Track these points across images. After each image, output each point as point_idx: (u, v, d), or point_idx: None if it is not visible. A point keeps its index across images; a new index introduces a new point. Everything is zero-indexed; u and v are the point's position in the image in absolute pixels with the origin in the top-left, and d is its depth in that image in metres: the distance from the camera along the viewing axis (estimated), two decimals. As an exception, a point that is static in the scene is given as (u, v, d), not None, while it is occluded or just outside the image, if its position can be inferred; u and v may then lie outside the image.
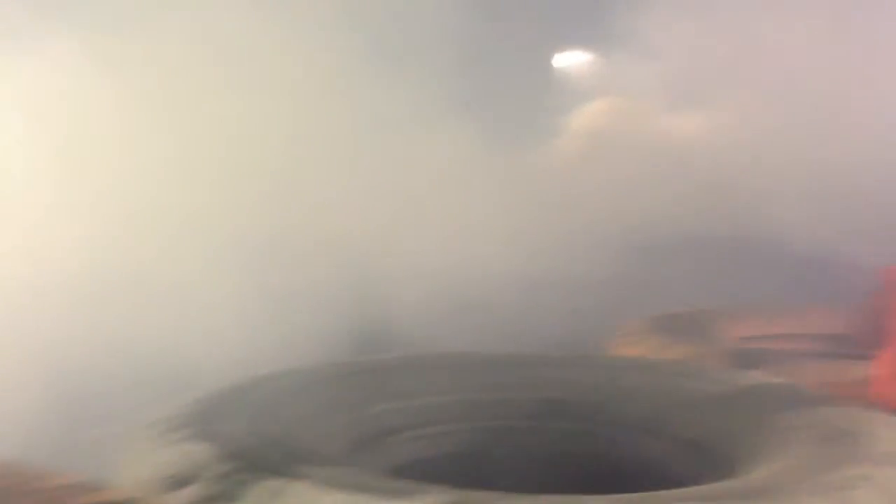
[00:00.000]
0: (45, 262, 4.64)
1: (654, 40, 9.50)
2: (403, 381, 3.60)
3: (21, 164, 4.83)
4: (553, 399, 3.64)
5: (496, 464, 3.46)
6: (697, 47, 9.25)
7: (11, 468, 2.48)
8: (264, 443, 2.82)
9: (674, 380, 3.70)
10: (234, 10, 5.76)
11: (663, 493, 2.60)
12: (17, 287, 4.47)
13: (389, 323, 5.42)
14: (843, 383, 3.91)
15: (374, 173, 6.45)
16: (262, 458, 2.68)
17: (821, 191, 7.58)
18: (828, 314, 5.61)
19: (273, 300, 5.07)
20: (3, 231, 4.60)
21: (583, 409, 3.59)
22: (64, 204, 4.86)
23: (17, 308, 4.40)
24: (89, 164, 5.02)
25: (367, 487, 2.44)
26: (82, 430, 3.90)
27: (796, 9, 8.46)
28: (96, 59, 5.23)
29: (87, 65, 5.18)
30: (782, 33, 8.64)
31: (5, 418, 3.70)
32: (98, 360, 4.38)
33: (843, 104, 8.17)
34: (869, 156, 7.66)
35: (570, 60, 12.35)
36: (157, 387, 3.70)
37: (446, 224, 6.45)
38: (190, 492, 2.55)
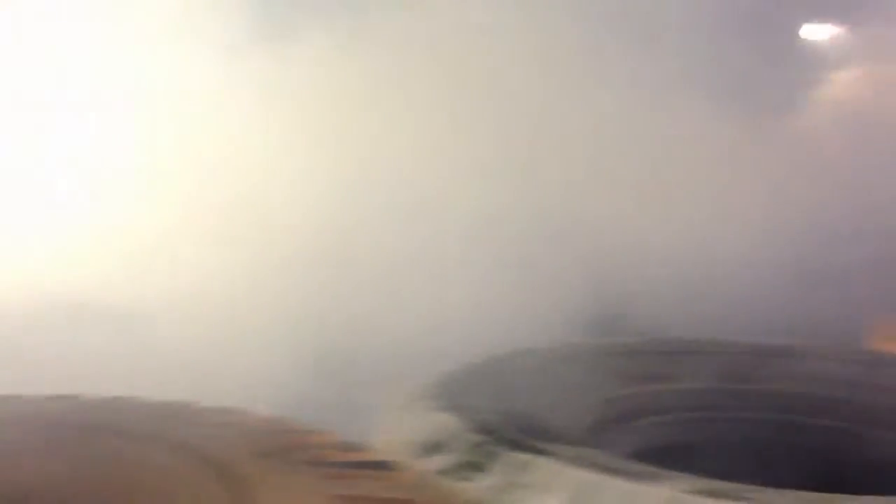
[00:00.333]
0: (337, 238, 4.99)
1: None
2: (648, 365, 3.60)
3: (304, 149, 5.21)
4: (803, 393, 3.50)
5: (741, 456, 3.38)
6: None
7: (284, 424, 2.73)
8: (510, 418, 2.92)
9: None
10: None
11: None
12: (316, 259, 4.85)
13: (631, 306, 5.39)
14: None
15: (621, 155, 6.40)
16: (509, 432, 2.78)
17: None
18: None
19: (520, 282, 5.18)
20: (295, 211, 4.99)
21: (836, 404, 3.43)
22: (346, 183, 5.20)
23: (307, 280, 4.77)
24: (364, 157, 5.35)
25: (613, 469, 2.48)
26: (343, 394, 4.18)
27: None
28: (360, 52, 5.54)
29: (352, 58, 5.50)
30: None
31: (277, 383, 4.03)
32: (357, 333, 4.67)
33: None
34: None
35: (820, 31, 11.75)
36: (412, 359, 3.90)
37: (693, 205, 6.29)
38: (441, 459, 2.70)
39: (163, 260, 4.65)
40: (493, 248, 5.46)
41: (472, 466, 2.63)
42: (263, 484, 2.25)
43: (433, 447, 2.77)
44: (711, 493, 2.32)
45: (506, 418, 2.94)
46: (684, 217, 6.10)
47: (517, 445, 2.67)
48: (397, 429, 2.96)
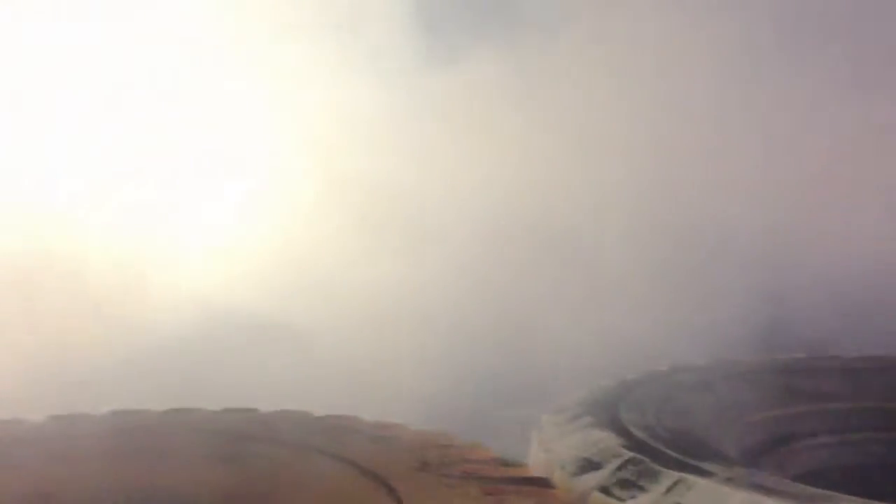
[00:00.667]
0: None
1: None
2: (812, 383, 3.47)
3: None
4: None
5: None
6: None
7: (441, 439, 2.80)
8: (668, 435, 2.88)
9: None
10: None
11: None
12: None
13: (791, 322, 5.20)
14: None
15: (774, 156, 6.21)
16: (667, 450, 2.74)
17: None
18: None
19: (676, 294, 5.12)
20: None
21: None
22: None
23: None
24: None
25: (774, 490, 2.41)
26: (495, 411, 4.24)
27: None
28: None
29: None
30: None
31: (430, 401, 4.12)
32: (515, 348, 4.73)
33: None
34: None
35: None
36: (569, 372, 3.92)
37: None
38: (598, 476, 2.69)
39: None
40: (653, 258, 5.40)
41: (630, 485, 2.62)
42: (420, 497, 2.33)
43: (590, 464, 2.77)
44: (880, 518, 2.23)
45: (664, 436, 2.90)
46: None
47: (676, 464, 2.64)
48: (553, 445, 2.97)
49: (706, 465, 2.60)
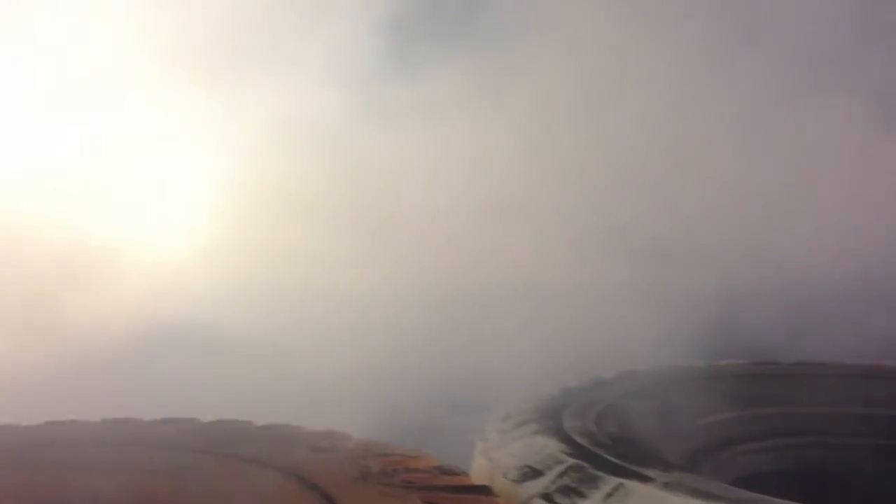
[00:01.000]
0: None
1: None
2: (751, 388, 3.52)
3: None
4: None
5: (846, 484, 3.27)
6: None
7: (383, 448, 2.78)
8: (609, 442, 2.90)
9: None
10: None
11: None
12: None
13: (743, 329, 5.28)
14: None
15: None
16: (608, 456, 2.76)
17: None
18: None
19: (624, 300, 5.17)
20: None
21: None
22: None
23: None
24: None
25: (713, 495, 2.44)
26: (446, 420, 4.23)
27: None
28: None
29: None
30: None
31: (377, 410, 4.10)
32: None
33: None
34: None
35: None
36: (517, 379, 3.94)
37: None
38: (539, 483, 2.70)
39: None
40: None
41: (571, 491, 2.63)
42: (361, 508, 2.31)
43: (532, 472, 2.77)
44: (815, 522, 2.26)
45: (606, 442, 2.92)
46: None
47: (617, 470, 2.65)
48: (495, 453, 2.97)
49: (646, 471, 2.62)
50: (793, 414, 3.43)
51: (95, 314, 4.37)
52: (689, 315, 4.86)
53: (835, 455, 3.36)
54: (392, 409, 4.21)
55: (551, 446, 2.85)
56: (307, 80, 5.38)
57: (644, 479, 2.57)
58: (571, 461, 2.73)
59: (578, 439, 2.92)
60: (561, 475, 2.68)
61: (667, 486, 2.51)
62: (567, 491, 2.61)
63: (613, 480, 2.57)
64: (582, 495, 2.56)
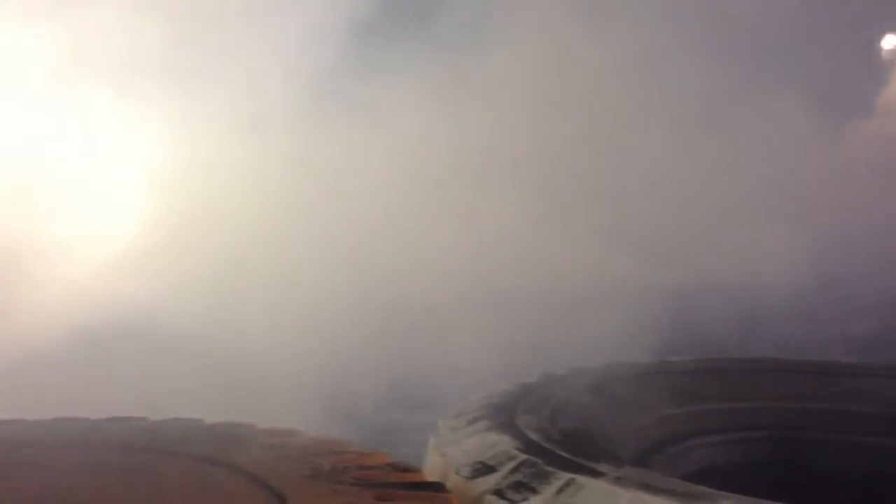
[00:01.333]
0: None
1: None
2: (701, 384, 3.56)
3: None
4: (856, 412, 3.43)
5: (793, 478, 3.32)
6: None
7: (334, 445, 2.77)
8: (562, 437, 2.92)
9: None
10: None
11: None
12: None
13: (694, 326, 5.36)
14: None
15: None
16: (561, 452, 2.77)
17: None
18: None
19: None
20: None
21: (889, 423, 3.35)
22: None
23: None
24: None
25: (662, 489, 2.46)
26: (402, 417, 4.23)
27: None
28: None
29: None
30: None
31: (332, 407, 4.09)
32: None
33: None
34: None
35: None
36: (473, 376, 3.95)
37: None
38: (491, 479, 2.70)
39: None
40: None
41: (523, 487, 2.63)
42: (312, 505, 2.30)
43: (484, 468, 2.77)
44: (761, 514, 2.29)
45: (559, 438, 2.93)
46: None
47: (569, 465, 2.67)
48: (449, 449, 2.97)
49: (597, 466, 2.64)
50: (741, 409, 3.48)
51: (39, 311, 4.30)
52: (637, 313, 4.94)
53: (781, 448, 3.42)
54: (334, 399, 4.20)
55: (504, 442, 2.86)
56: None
57: (595, 474, 2.58)
58: (524, 457, 2.74)
59: (531, 435, 2.93)
60: (513, 471, 2.69)
61: (618, 480, 2.53)
62: (519, 487, 2.61)
63: (565, 476, 2.59)
64: (534, 491, 2.57)
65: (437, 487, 2.56)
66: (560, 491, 2.55)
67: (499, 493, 2.62)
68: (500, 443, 2.87)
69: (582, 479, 2.56)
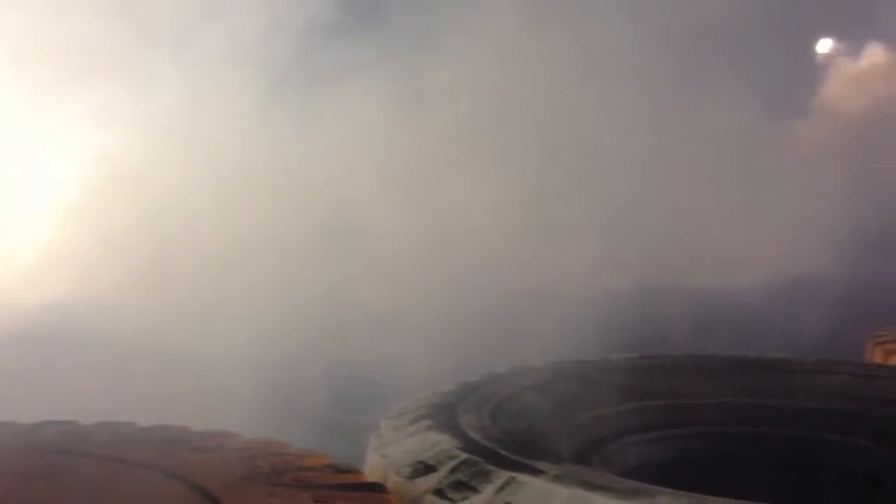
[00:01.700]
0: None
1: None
2: (640, 382, 3.59)
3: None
4: (799, 408, 3.49)
5: (732, 473, 3.37)
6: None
7: (273, 447, 2.74)
8: (502, 436, 2.91)
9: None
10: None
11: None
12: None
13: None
14: None
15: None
16: (501, 450, 2.77)
17: None
18: None
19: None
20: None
21: (833, 418, 3.41)
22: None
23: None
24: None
25: (601, 486, 2.47)
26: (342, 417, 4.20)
27: None
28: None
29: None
30: None
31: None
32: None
33: None
34: None
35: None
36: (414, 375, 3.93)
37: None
38: (433, 478, 2.69)
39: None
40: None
41: (464, 486, 2.62)
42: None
43: (425, 467, 2.76)
44: (698, 509, 2.31)
45: (499, 436, 2.93)
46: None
47: (509, 464, 2.66)
48: (389, 449, 2.95)
49: (537, 464, 2.64)
50: (679, 406, 3.51)
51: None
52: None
53: (718, 444, 3.45)
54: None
55: (445, 442, 2.85)
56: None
57: (535, 472, 2.58)
58: (464, 456, 2.72)
59: (472, 434, 2.92)
60: (454, 470, 2.68)
61: (557, 478, 2.53)
62: (459, 486, 2.60)
63: (505, 474, 2.58)
64: (474, 490, 2.57)
65: (377, 488, 2.54)
66: (500, 489, 2.54)
67: (439, 492, 2.61)
68: (440, 442, 2.85)
69: (522, 477, 2.56)
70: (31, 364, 4.00)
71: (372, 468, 2.88)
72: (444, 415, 3.10)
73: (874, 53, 12.07)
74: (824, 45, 12.64)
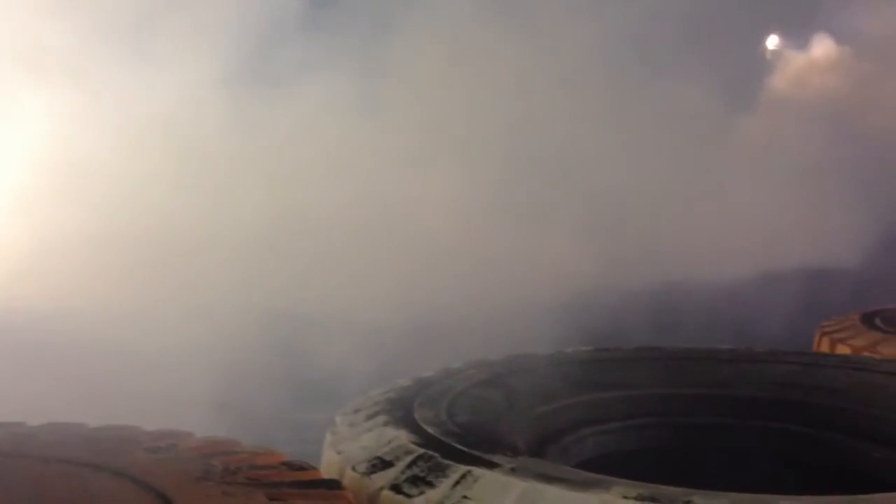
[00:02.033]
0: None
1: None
2: (596, 374, 3.62)
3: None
4: (748, 397, 3.54)
5: (685, 462, 3.41)
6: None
7: (226, 445, 2.71)
8: (459, 430, 2.91)
9: (885, 379, 3.51)
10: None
11: (867, 496, 2.47)
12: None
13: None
14: None
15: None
16: (457, 445, 2.77)
17: None
18: None
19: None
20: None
21: (781, 407, 3.47)
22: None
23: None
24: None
25: (554, 477, 2.48)
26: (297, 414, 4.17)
27: None
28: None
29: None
30: None
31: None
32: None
33: None
34: None
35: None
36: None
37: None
38: (389, 474, 2.68)
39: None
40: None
41: (420, 481, 2.62)
42: (201, 508, 2.23)
43: (381, 463, 2.75)
44: (651, 498, 2.33)
45: (456, 431, 2.93)
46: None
47: (465, 458, 2.66)
48: (345, 446, 2.93)
49: (493, 457, 2.65)
50: (635, 397, 3.54)
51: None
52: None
53: (674, 435, 3.49)
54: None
55: (401, 437, 2.84)
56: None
57: (491, 465, 2.59)
58: (421, 451, 2.72)
59: (428, 429, 2.92)
60: (410, 465, 2.67)
61: (513, 471, 2.53)
62: (415, 481, 2.60)
63: (461, 468, 2.58)
64: (430, 484, 2.56)
65: (332, 485, 2.53)
66: (456, 484, 2.54)
67: (395, 488, 2.60)
68: (396, 437, 2.84)
69: (478, 471, 2.56)
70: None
71: (328, 465, 2.86)
72: (399, 410, 3.09)
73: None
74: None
